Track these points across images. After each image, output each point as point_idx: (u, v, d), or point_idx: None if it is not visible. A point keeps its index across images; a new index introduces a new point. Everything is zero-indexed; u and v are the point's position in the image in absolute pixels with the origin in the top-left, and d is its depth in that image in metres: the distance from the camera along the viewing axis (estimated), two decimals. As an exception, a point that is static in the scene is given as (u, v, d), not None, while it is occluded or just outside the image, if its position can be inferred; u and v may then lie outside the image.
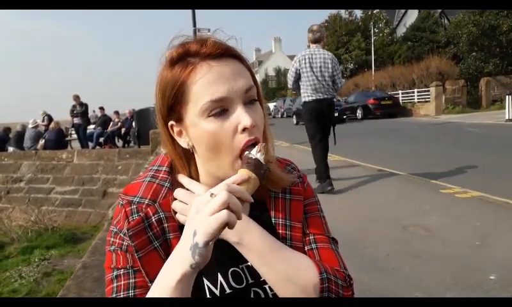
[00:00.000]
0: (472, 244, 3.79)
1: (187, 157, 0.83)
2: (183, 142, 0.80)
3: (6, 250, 7.01)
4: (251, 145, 0.74)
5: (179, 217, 0.79)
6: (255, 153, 0.71)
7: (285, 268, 0.78)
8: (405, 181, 6.53)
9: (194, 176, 0.84)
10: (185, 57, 0.76)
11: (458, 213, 4.71)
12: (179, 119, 0.78)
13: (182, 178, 0.83)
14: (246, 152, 0.72)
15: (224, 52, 0.76)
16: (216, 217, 0.61)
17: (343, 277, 0.83)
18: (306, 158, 9.28)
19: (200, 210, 0.64)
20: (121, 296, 0.74)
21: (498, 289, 2.93)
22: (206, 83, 0.73)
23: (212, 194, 0.63)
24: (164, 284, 0.68)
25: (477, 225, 4.28)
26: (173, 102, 0.77)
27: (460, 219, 4.54)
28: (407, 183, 6.36)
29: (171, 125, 0.80)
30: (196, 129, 0.76)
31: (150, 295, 0.71)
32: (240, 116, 0.73)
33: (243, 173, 0.69)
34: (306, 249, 0.86)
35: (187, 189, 0.82)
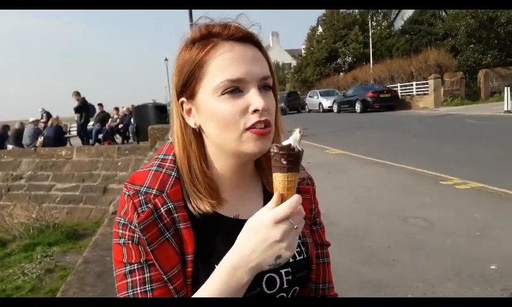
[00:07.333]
0: (472, 235, 3.81)
1: (197, 141, 0.80)
2: (191, 121, 0.79)
3: (8, 247, 7.02)
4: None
5: None
6: (294, 142, 0.66)
7: None
8: (405, 173, 6.55)
9: (198, 163, 0.79)
10: (207, 37, 0.76)
11: (458, 205, 4.73)
12: (191, 97, 0.77)
13: None
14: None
15: (247, 37, 0.76)
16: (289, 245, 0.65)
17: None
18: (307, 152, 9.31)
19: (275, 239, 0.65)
20: (139, 291, 0.73)
21: (498, 279, 2.95)
22: (226, 60, 0.73)
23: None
24: (231, 285, 0.68)
25: (477, 216, 4.31)
26: (189, 77, 0.76)
27: (460, 210, 4.56)
28: (407, 176, 6.38)
29: (182, 102, 0.79)
30: (207, 106, 0.75)
31: (208, 294, 0.69)
32: (253, 98, 0.73)
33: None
34: (319, 261, 0.93)
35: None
